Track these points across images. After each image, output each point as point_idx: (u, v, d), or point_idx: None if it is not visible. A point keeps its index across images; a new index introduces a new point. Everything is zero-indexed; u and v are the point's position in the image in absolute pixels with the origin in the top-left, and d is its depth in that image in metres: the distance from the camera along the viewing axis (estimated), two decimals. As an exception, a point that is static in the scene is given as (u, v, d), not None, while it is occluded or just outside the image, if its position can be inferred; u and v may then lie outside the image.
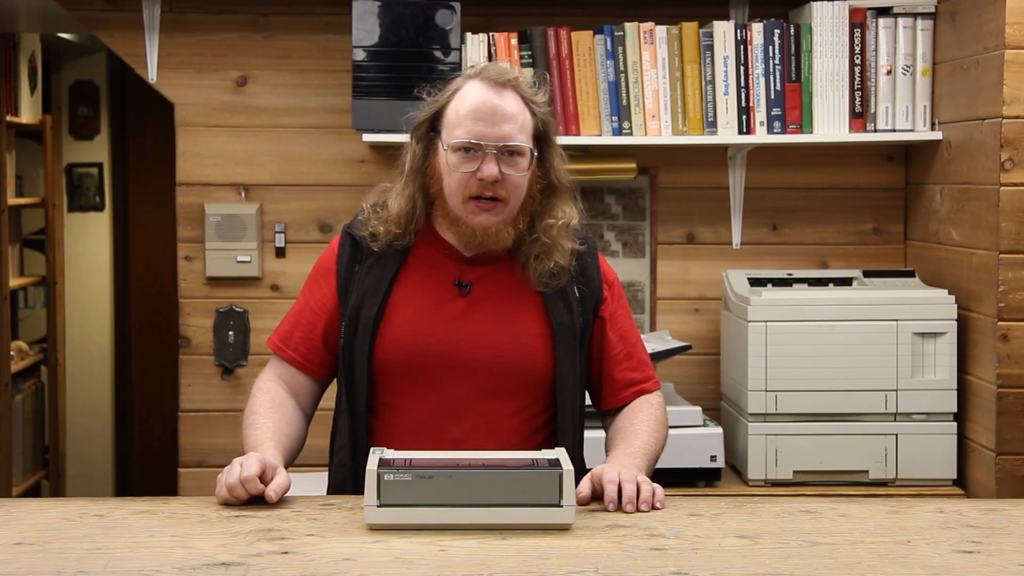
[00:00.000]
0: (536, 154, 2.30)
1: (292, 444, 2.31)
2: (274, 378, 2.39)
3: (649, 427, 2.34)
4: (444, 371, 2.29)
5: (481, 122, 2.25)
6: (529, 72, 3.27)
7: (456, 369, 2.29)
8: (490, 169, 2.24)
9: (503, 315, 2.32)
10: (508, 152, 2.26)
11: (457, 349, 2.29)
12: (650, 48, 3.40)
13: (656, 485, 2.14)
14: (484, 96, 2.27)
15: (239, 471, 2.08)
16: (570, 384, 2.33)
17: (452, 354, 2.29)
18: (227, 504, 2.08)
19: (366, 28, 3.36)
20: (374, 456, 2.02)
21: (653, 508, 2.09)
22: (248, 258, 3.63)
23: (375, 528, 1.94)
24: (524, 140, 2.27)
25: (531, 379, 2.32)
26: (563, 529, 1.95)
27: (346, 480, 2.32)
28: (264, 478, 2.10)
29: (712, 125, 3.42)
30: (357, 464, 2.27)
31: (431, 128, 2.32)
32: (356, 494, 2.22)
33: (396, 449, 2.11)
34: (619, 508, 2.08)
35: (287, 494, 2.13)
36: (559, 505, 1.95)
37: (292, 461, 2.32)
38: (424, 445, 2.22)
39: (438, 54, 3.35)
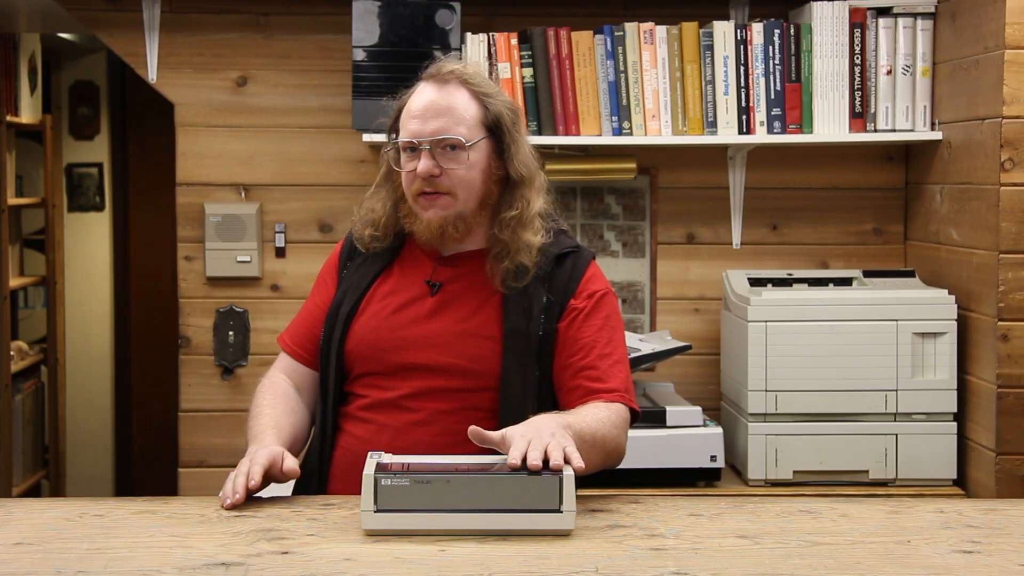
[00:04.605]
0: (487, 146, 2.29)
1: (296, 432, 2.35)
2: (280, 373, 2.45)
3: (594, 416, 2.17)
4: (399, 368, 2.31)
5: (416, 120, 2.28)
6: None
7: (408, 367, 2.30)
8: (423, 165, 2.26)
9: (464, 317, 2.31)
10: (447, 146, 2.26)
11: (412, 347, 2.31)
12: (650, 48, 3.40)
13: (567, 448, 1.97)
14: (425, 94, 2.29)
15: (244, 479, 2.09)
16: (518, 392, 2.26)
17: (407, 352, 2.31)
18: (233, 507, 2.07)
19: (366, 28, 3.36)
20: (371, 460, 1.99)
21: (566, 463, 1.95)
22: (248, 258, 3.63)
23: (372, 533, 1.93)
24: (463, 132, 2.26)
25: (477, 384, 2.28)
26: (563, 535, 1.93)
27: (312, 470, 2.34)
28: (273, 470, 2.12)
29: (712, 125, 3.42)
30: (323, 454, 2.33)
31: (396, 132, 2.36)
32: (322, 482, 2.31)
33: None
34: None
35: (287, 495, 2.13)
36: (559, 510, 1.92)
37: (299, 447, 2.37)
38: (366, 430, 2.28)
39: (438, 54, 3.30)
